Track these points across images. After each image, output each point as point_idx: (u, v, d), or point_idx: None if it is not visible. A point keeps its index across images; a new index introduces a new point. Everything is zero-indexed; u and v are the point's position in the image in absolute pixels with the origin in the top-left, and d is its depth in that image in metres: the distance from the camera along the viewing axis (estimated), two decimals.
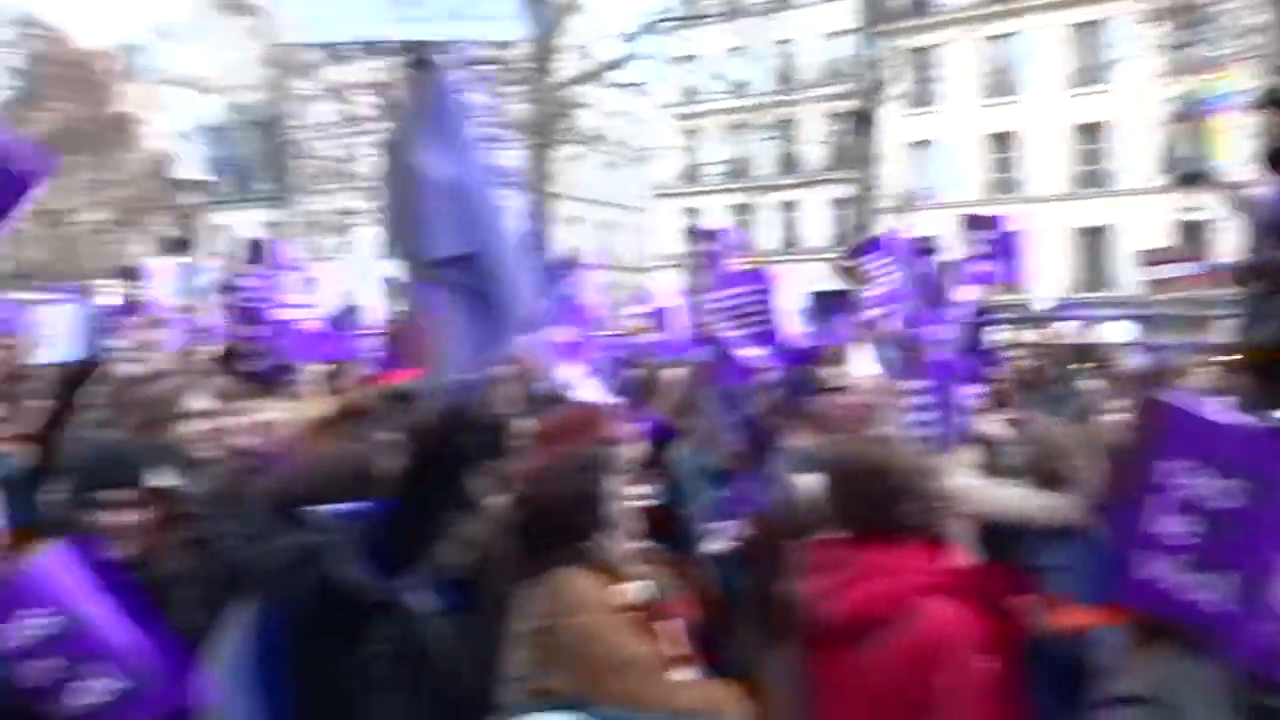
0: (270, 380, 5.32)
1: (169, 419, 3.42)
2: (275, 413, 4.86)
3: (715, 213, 39.12)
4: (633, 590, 2.75)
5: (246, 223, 50.37)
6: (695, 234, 6.79)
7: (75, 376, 4.51)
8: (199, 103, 59.93)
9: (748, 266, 6.09)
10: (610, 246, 40.56)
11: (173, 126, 55.26)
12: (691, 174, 45.39)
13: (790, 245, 39.79)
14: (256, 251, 5.79)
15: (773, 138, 41.02)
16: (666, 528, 3.46)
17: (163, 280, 10.44)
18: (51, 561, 2.62)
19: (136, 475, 2.89)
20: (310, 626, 2.17)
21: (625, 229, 49.81)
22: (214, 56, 56.37)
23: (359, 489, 2.31)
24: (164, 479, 3.17)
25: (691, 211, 41.81)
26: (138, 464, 2.97)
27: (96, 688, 2.59)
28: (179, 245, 14.45)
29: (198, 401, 3.51)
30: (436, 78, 1.81)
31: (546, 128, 17.42)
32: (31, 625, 2.54)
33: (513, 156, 28.06)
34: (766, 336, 4.57)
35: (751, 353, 4.39)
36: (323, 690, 2.23)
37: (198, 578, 3.21)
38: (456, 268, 1.82)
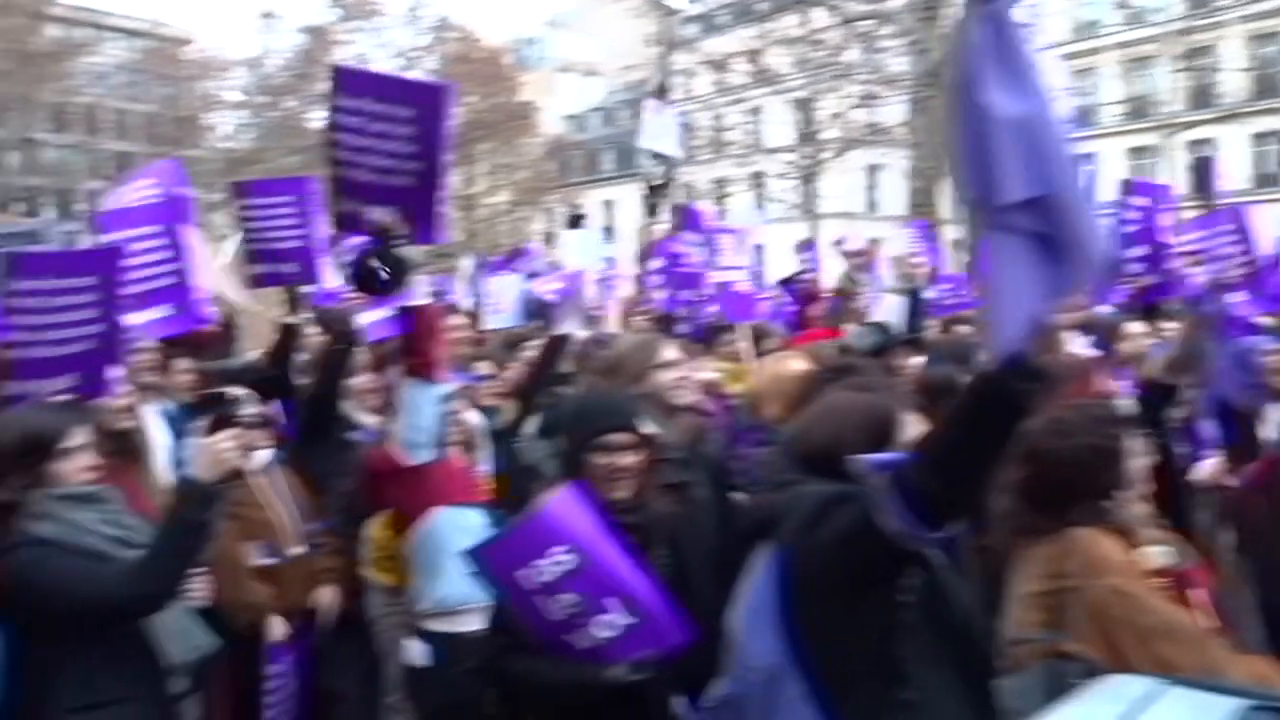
0: (705, 342, 5.54)
1: (644, 372, 3.60)
2: (713, 372, 5.07)
3: (1113, 156, 35.80)
4: (1156, 555, 2.55)
5: (630, 197, 53.47)
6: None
7: (554, 342, 4.94)
8: (587, 86, 64.10)
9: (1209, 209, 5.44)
10: None
11: (564, 111, 59.60)
12: (1085, 115, 41.87)
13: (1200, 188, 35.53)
14: (687, 218, 6.01)
15: (1185, 69, 36.65)
16: (1163, 491, 3.17)
17: (578, 251, 11.25)
18: (563, 503, 2.78)
19: (632, 421, 3.05)
20: (843, 572, 2.19)
21: None
22: (600, 41, 59.98)
23: (884, 438, 2.32)
24: (650, 426, 3.37)
25: (1086, 155, 38.51)
26: (632, 411, 3.16)
27: (607, 623, 2.75)
28: (577, 220, 15.43)
29: (670, 352, 3.67)
30: (998, 10, 1.72)
31: (935, 78, 16.63)
32: (551, 562, 2.70)
33: (899, 111, 27.58)
34: (1256, 281, 4.07)
35: (1241, 299, 3.92)
36: (850, 636, 2.26)
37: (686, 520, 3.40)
38: (1028, 211, 1.73)
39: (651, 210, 7.71)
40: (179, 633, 2.98)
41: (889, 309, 5.48)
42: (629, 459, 2.95)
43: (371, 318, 4.85)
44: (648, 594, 2.80)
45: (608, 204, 53.78)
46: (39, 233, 4.87)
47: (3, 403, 3.40)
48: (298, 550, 4.22)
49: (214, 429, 2.97)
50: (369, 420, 5.05)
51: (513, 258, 10.52)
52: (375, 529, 4.41)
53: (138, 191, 5.06)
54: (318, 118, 41.22)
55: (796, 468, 2.45)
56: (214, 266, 6.00)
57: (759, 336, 5.87)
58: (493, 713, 3.66)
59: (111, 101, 45.34)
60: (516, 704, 2.97)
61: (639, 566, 2.83)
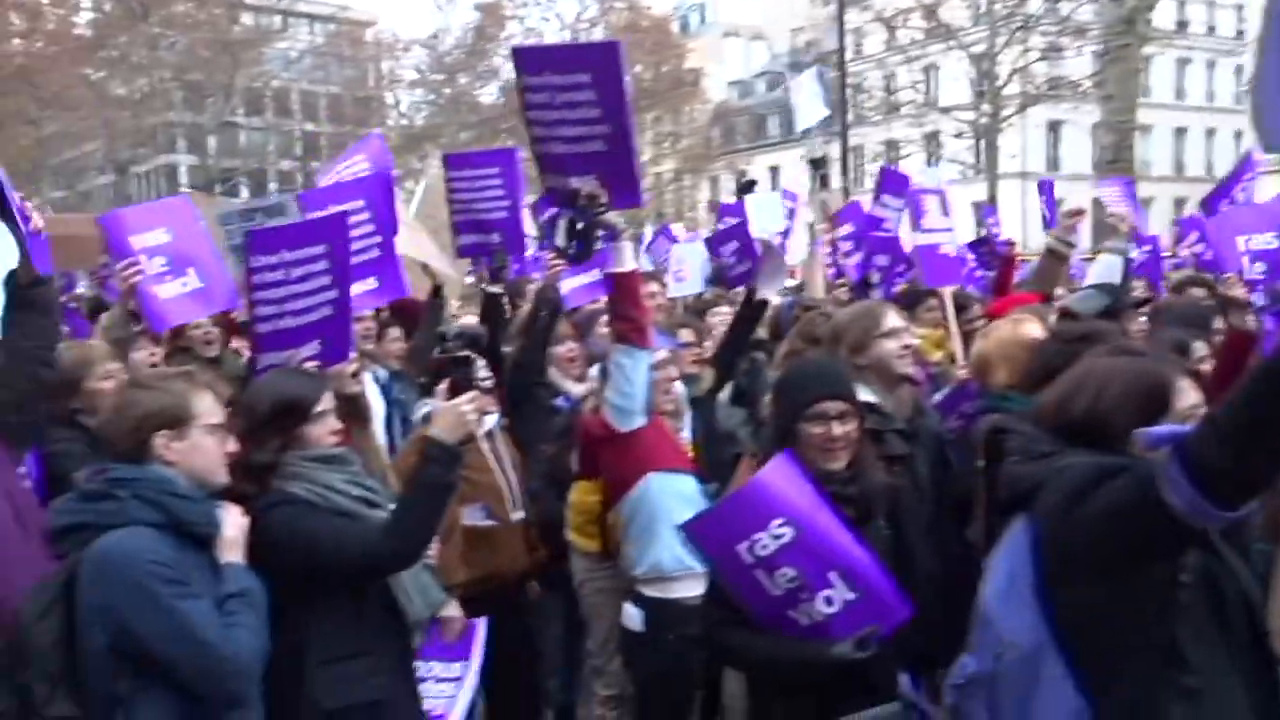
0: (906, 308, 5.35)
1: (868, 340, 3.50)
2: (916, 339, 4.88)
3: None
4: None
5: (796, 162, 52.64)
6: None
7: (750, 308, 4.87)
8: (753, 51, 63.33)
9: None
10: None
11: (729, 77, 59.09)
12: None
13: None
14: (887, 180, 5.82)
15: None
16: None
17: (761, 215, 11.14)
18: (779, 473, 2.71)
19: (848, 388, 2.98)
20: (1114, 548, 2.06)
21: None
22: (766, 4, 59.05)
23: (1157, 407, 2.16)
24: (867, 395, 3.28)
25: None
26: (847, 379, 3.07)
27: (828, 598, 2.69)
28: (748, 186, 15.29)
29: (895, 320, 3.56)
30: None
31: (1129, 26, 15.57)
32: (770, 535, 2.64)
33: (1085, 63, 26.02)
34: None
35: None
36: (1119, 615, 2.13)
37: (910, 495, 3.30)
38: None
39: (822, 180, 7.54)
40: (418, 589, 3.08)
41: (1105, 270, 5.16)
42: (844, 428, 2.87)
43: (573, 285, 4.93)
44: (869, 568, 2.72)
45: (774, 169, 53.13)
46: (277, 206, 5.06)
47: (254, 373, 3.59)
48: (518, 514, 4.34)
49: (454, 392, 3.09)
50: (571, 387, 5.13)
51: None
52: (578, 494, 4.48)
53: (351, 168, 5.27)
54: (489, 93, 42.37)
55: (1053, 438, 2.31)
56: (420, 237, 6.22)
57: (959, 303, 5.64)
58: (705, 680, 3.70)
59: (299, 84, 47.74)
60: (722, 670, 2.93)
61: (858, 539, 2.76)
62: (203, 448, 2.61)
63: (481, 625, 3.99)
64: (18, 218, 3.65)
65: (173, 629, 2.38)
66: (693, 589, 3.62)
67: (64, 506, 2.56)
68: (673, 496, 3.76)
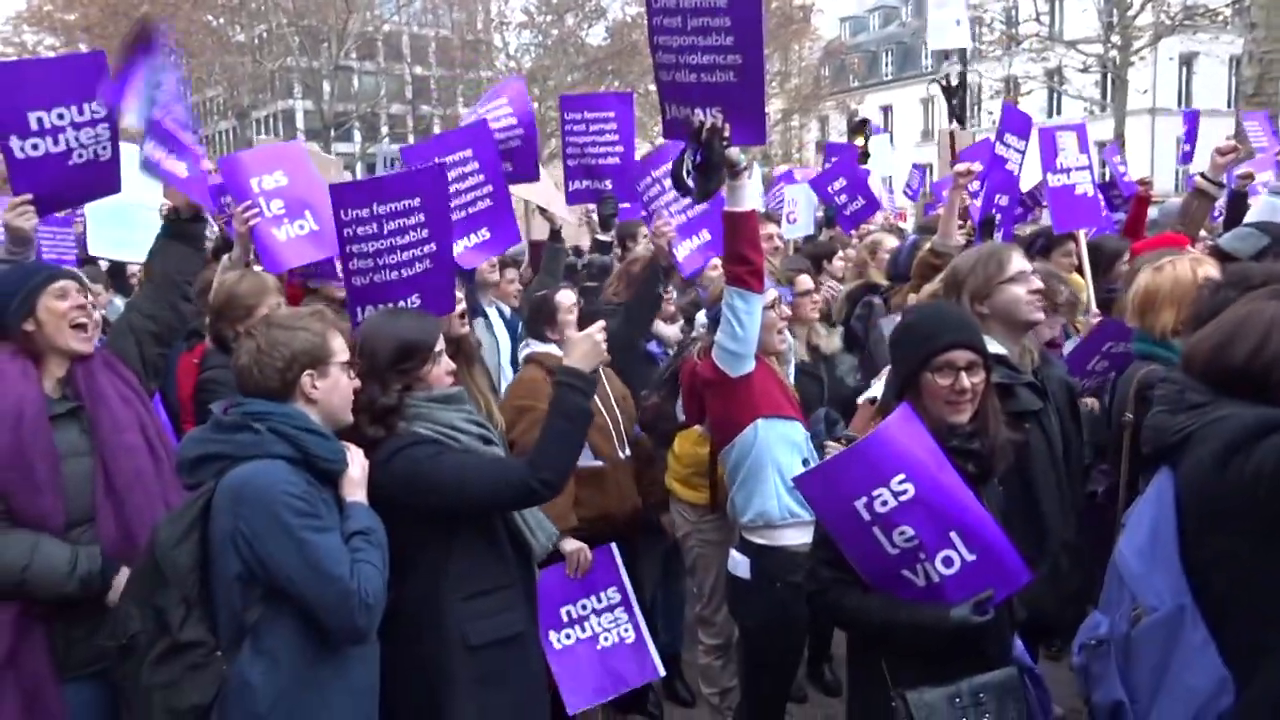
0: (1041, 252, 5.12)
1: (992, 286, 3.32)
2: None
3: None
4: None
5: (909, 100, 51.07)
6: None
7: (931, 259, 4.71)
8: None
9: None
10: None
11: (841, 13, 57.38)
12: None
13: None
14: (1010, 118, 5.52)
15: None
16: None
17: (881, 156, 10.84)
18: (901, 426, 2.59)
19: (975, 337, 2.81)
20: (1276, 510, 1.92)
21: None
22: None
23: None
24: (994, 345, 3.11)
25: None
26: (974, 327, 2.90)
27: (946, 558, 2.57)
28: (861, 125, 14.84)
29: (1021, 263, 3.36)
30: None
31: None
32: (891, 491, 2.52)
33: None
34: None
35: None
36: (1270, 578, 1.99)
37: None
38: None
39: (958, 117, 7.17)
40: (536, 523, 3.12)
41: (1265, 210, 4.83)
42: (972, 380, 2.71)
43: (687, 250, 4.83)
44: (989, 529, 2.59)
45: (886, 109, 51.66)
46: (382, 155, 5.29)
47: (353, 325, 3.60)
48: (624, 454, 4.33)
49: (585, 323, 3.14)
50: (664, 330, 5.08)
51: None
52: (684, 444, 4.44)
53: (492, 111, 5.28)
54: (597, 34, 42.08)
55: (1206, 387, 2.16)
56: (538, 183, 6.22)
57: (1109, 253, 5.36)
58: (813, 628, 3.64)
59: (409, 28, 48.16)
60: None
61: (978, 498, 2.63)
62: (340, 385, 2.70)
63: (614, 550, 4.11)
64: (190, 154, 3.89)
65: (305, 561, 2.43)
66: (800, 537, 3.59)
67: (200, 436, 2.62)
68: (780, 443, 3.69)
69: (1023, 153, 5.52)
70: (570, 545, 4.01)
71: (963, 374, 2.70)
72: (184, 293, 3.52)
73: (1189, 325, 2.93)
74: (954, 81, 8.02)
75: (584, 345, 3.01)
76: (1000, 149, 5.39)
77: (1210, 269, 3.31)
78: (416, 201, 3.53)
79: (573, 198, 5.78)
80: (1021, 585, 2.64)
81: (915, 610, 2.60)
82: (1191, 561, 2.14)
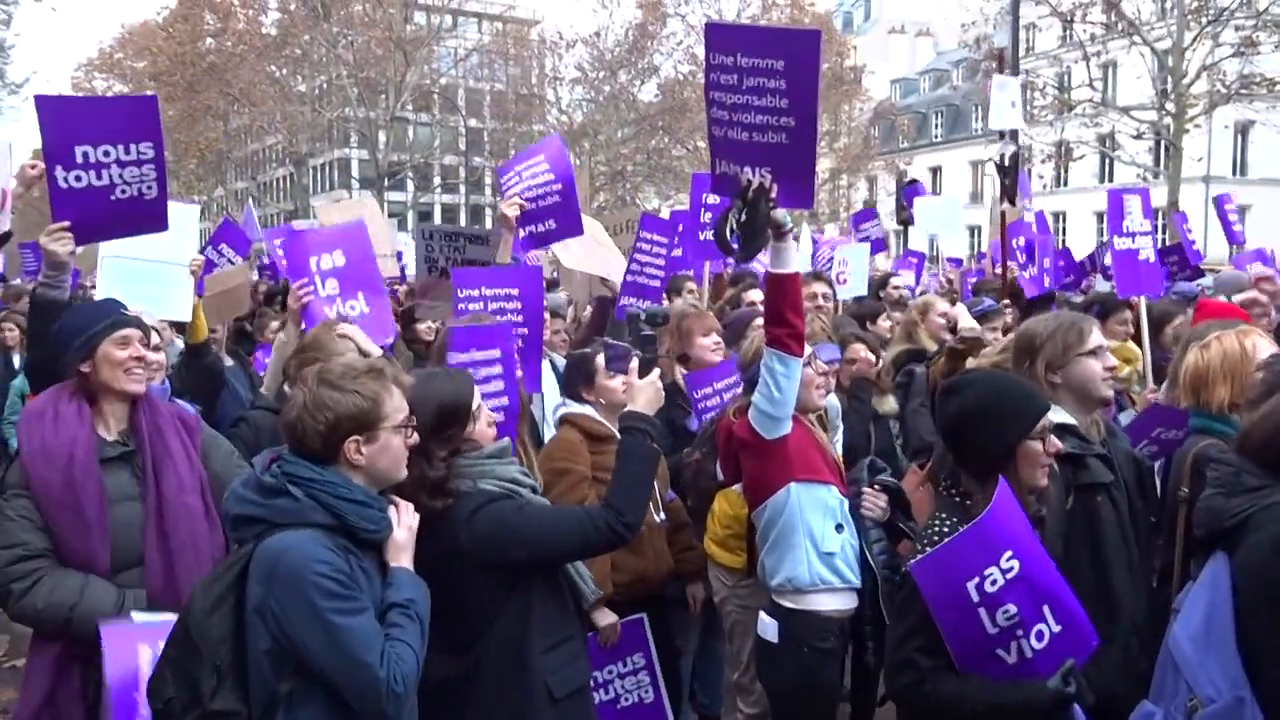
0: (1100, 316, 5.03)
1: (1069, 357, 3.23)
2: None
3: None
4: None
5: (958, 162, 51.08)
6: None
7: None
8: (918, 48, 61.80)
9: None
10: None
11: (892, 74, 57.80)
12: None
13: None
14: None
15: None
16: None
17: (934, 218, 10.82)
18: (1004, 501, 2.53)
19: (1044, 410, 2.78)
20: None
21: None
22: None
23: None
24: (1060, 415, 3.05)
25: None
26: (1044, 401, 2.85)
27: (1039, 633, 2.52)
28: (911, 185, 14.85)
29: (1099, 337, 3.27)
30: None
31: None
32: (1001, 569, 2.47)
33: None
34: None
35: None
36: None
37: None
38: None
39: (1010, 197, 7.19)
40: (581, 574, 3.14)
41: None
42: (1048, 456, 2.76)
43: None
44: (1069, 597, 2.57)
45: (934, 170, 51.69)
46: (482, 235, 5.56)
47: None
48: (659, 517, 4.27)
49: (645, 370, 3.22)
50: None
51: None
52: (723, 504, 4.38)
53: (531, 168, 5.43)
54: (649, 91, 42.65)
55: (1263, 470, 2.09)
56: (597, 251, 6.39)
57: (1160, 317, 5.28)
58: (838, 695, 3.56)
59: (466, 82, 49.19)
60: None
61: (1055, 567, 2.59)
62: (390, 448, 2.58)
63: (644, 621, 4.14)
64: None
65: (333, 645, 2.35)
66: (830, 602, 3.62)
67: (241, 494, 2.54)
68: (814, 507, 3.64)
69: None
70: (605, 620, 3.97)
71: (1052, 437, 2.76)
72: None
73: (1246, 403, 2.88)
74: (1007, 161, 8.07)
75: (648, 392, 3.17)
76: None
77: (1261, 341, 3.23)
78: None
79: (522, 245, 5.83)
80: (1093, 650, 2.60)
81: (1016, 689, 2.54)
82: (1249, 651, 2.05)
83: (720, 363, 4.85)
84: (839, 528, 3.64)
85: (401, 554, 2.60)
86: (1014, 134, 8.41)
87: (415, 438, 2.64)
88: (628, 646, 4.09)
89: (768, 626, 3.72)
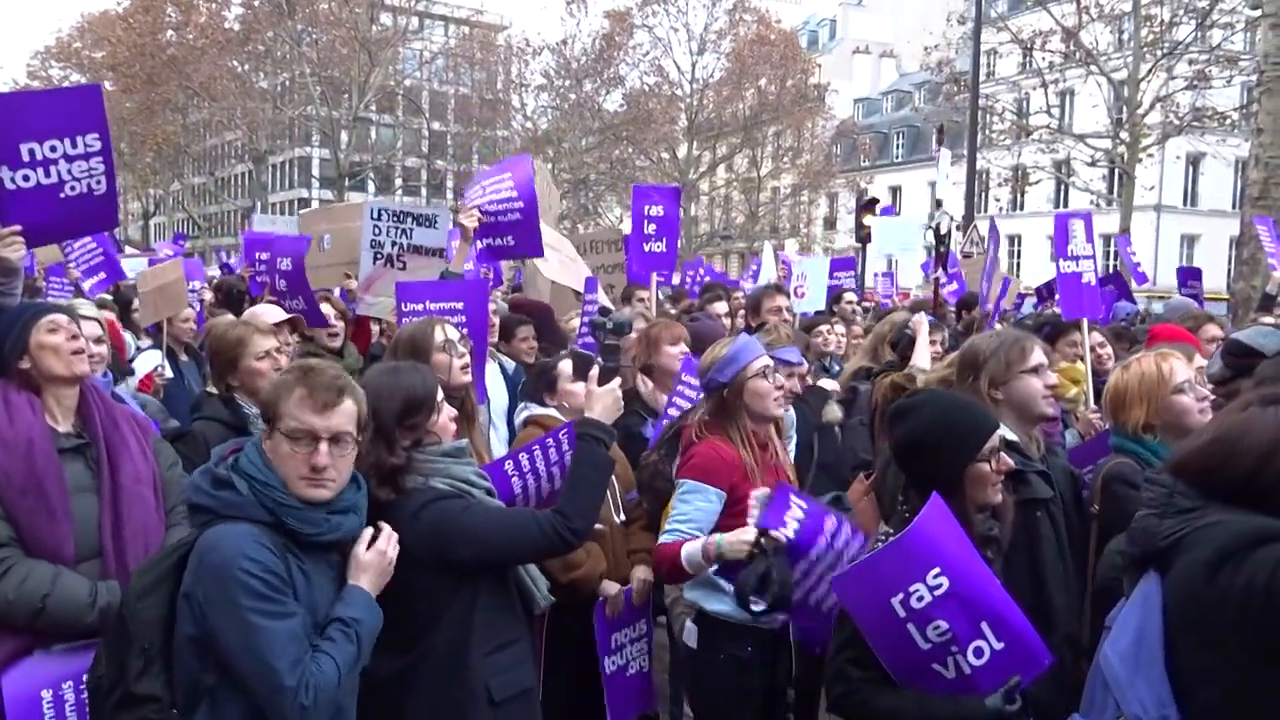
0: (1049, 339, 5.13)
1: (1011, 375, 3.27)
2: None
3: None
4: None
5: (918, 183, 51.71)
6: None
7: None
8: (881, 69, 62.51)
9: None
10: None
11: (855, 94, 58.41)
12: None
13: None
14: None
15: None
16: None
17: (890, 237, 10.95)
18: (935, 518, 2.55)
19: (991, 431, 2.81)
20: (1270, 627, 1.87)
21: None
22: (898, 22, 58.24)
23: None
24: (1003, 432, 3.09)
25: None
26: (993, 422, 2.88)
27: (977, 649, 2.53)
28: (870, 205, 15.08)
29: (1041, 355, 3.32)
30: None
31: None
32: (928, 586, 2.47)
33: (1233, 94, 24.70)
34: None
35: None
36: (1264, 706, 1.94)
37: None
38: None
39: (942, 264, 7.46)
40: (537, 576, 3.11)
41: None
42: (1004, 463, 2.80)
43: None
44: (1014, 616, 2.58)
45: (894, 190, 52.29)
46: (428, 217, 5.44)
47: None
48: (619, 519, 4.28)
49: (605, 378, 3.22)
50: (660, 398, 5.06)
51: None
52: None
53: (496, 183, 5.45)
54: (613, 101, 42.75)
55: (1196, 492, 2.13)
56: (569, 263, 6.42)
57: (1121, 338, 5.41)
58: (756, 703, 3.56)
59: (430, 84, 48.96)
60: None
61: (1001, 586, 2.62)
62: (279, 452, 2.50)
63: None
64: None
65: (245, 643, 2.31)
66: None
67: (197, 483, 2.53)
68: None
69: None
70: (612, 589, 3.98)
71: (1003, 454, 2.79)
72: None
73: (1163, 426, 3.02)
74: (943, 230, 8.32)
75: (606, 399, 3.15)
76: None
77: (1178, 365, 3.32)
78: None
79: (481, 256, 5.85)
80: (1044, 669, 2.62)
81: (954, 705, 2.55)
82: (1177, 671, 2.09)
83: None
84: None
85: (363, 574, 2.58)
86: (942, 207, 8.71)
87: (318, 456, 2.48)
88: (634, 613, 4.13)
89: (690, 633, 3.73)
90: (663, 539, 3.55)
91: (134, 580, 2.50)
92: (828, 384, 5.50)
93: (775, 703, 3.74)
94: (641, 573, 4.31)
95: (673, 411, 4.60)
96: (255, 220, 10.47)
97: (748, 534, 3.18)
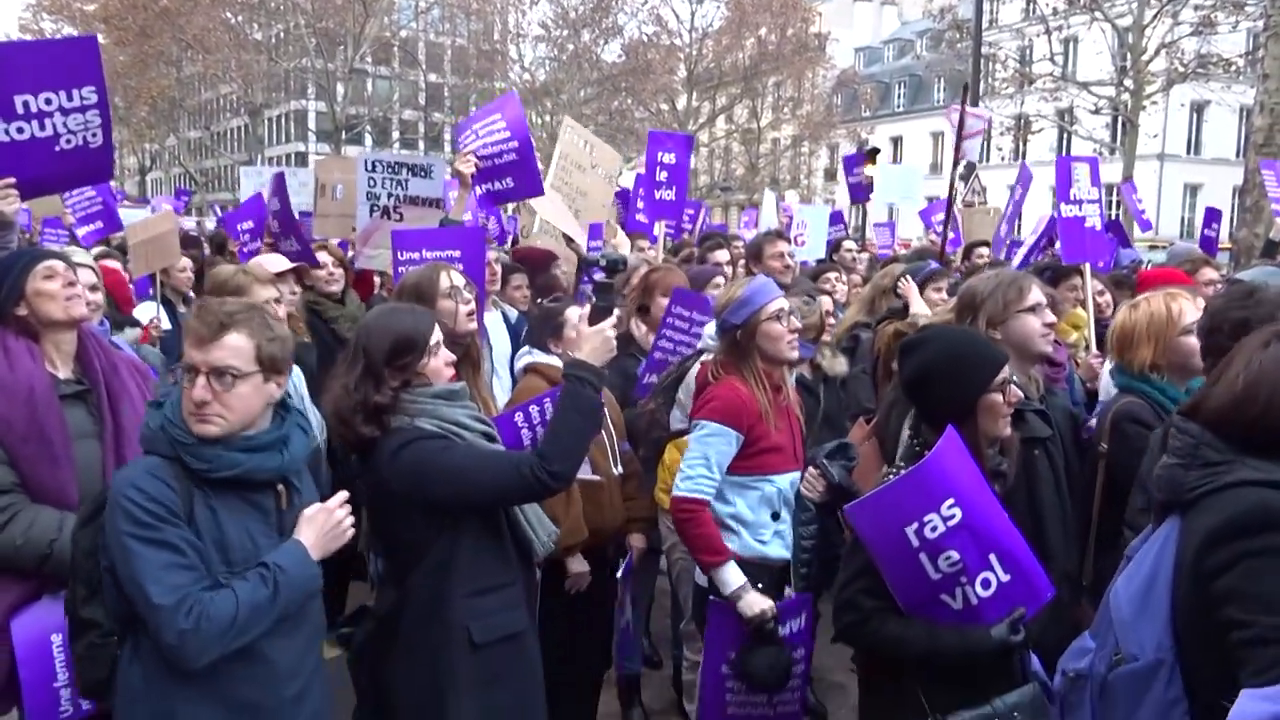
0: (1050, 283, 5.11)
1: (1009, 314, 3.28)
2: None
3: None
4: None
5: (919, 133, 51.28)
6: None
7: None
8: (884, 17, 61.69)
9: None
10: None
11: (856, 43, 57.70)
12: None
13: None
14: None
15: None
16: None
17: (894, 186, 10.88)
18: (951, 449, 2.57)
19: (1002, 363, 2.82)
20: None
21: None
22: None
23: None
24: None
25: None
26: (1003, 354, 2.89)
27: (984, 580, 2.56)
28: (873, 154, 14.92)
29: (1039, 294, 3.31)
30: None
31: None
32: (941, 516, 2.50)
33: (1238, 40, 24.38)
34: None
35: None
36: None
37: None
38: None
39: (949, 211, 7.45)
40: (539, 523, 3.07)
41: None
42: (1013, 397, 2.80)
43: None
44: (1021, 549, 2.62)
45: (895, 140, 51.88)
46: (423, 167, 5.42)
47: None
48: (617, 470, 4.29)
49: (596, 318, 3.04)
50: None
51: None
52: (672, 453, 4.39)
53: (488, 126, 5.41)
54: (612, 52, 42.27)
55: (1224, 444, 2.08)
56: (562, 208, 6.37)
57: (1117, 283, 5.39)
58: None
59: (426, 35, 48.36)
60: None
61: (1009, 519, 2.65)
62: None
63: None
64: None
65: (125, 569, 2.33)
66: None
67: (145, 416, 2.55)
68: (749, 501, 3.65)
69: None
70: (577, 567, 3.99)
71: (1012, 387, 2.79)
72: None
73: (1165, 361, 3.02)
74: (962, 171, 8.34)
75: (594, 340, 2.97)
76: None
77: (1186, 305, 3.31)
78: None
79: (481, 202, 5.82)
80: (1047, 601, 2.66)
81: (960, 634, 2.59)
82: (1179, 619, 2.10)
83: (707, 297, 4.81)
84: (775, 516, 3.63)
85: (304, 528, 2.56)
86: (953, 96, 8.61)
87: (195, 389, 2.43)
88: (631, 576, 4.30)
89: (699, 571, 3.74)
90: (683, 489, 3.55)
91: (79, 510, 2.60)
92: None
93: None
94: (639, 541, 4.46)
95: (664, 344, 4.59)
96: (244, 174, 10.31)
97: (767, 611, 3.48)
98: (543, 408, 3.55)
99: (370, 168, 5.54)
